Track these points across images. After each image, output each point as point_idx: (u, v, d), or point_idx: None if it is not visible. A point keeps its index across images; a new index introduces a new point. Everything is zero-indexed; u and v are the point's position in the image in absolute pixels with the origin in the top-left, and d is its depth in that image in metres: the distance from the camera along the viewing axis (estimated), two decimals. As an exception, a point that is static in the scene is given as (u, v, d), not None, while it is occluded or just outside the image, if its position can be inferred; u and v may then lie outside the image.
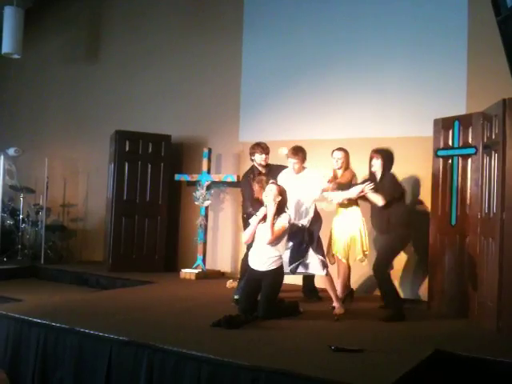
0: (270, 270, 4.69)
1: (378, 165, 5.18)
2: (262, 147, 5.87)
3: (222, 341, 3.93)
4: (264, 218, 4.75)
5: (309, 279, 5.75)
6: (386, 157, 5.18)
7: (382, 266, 5.03)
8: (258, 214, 4.82)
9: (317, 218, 5.28)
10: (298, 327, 4.49)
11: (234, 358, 3.44)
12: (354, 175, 5.54)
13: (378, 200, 5.04)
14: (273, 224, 4.64)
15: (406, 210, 5.22)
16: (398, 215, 5.06)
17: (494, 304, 4.51)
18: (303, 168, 5.32)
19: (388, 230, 5.10)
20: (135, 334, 3.94)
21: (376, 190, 5.05)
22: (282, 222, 4.71)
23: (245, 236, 4.94)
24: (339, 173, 5.56)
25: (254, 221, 4.81)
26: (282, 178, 5.33)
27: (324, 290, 5.37)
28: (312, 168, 5.42)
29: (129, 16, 8.85)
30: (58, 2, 9.58)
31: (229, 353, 3.56)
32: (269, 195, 4.73)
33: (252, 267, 4.80)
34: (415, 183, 6.19)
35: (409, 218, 5.21)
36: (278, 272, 4.76)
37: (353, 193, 5.13)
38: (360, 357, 3.61)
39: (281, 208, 4.75)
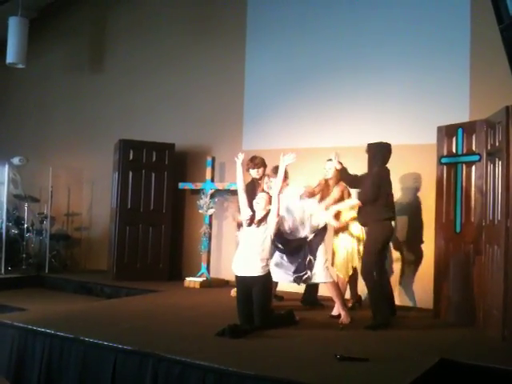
0: (260, 276, 4.63)
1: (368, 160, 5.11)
2: (253, 162, 5.91)
3: (227, 350, 3.92)
4: (251, 223, 4.74)
5: (312, 288, 5.74)
6: (374, 150, 5.05)
7: (368, 267, 4.91)
8: (243, 217, 4.81)
9: (322, 230, 5.23)
10: (302, 336, 4.47)
11: (239, 367, 3.43)
12: (343, 190, 5.49)
13: (354, 203, 5.13)
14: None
15: (384, 205, 4.96)
16: (376, 210, 4.94)
17: (499, 312, 4.49)
18: (287, 186, 5.28)
19: (366, 222, 5.09)
20: (140, 343, 3.93)
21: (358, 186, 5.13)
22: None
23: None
24: (330, 184, 5.57)
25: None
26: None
27: (327, 299, 5.36)
28: (292, 186, 5.40)
29: (132, 26, 8.90)
30: (62, 12, 9.65)
31: (233, 362, 3.55)
32: (260, 202, 4.75)
33: (240, 275, 4.72)
34: (419, 191, 6.19)
35: (387, 213, 4.98)
36: (268, 278, 4.73)
37: (327, 217, 5.10)
38: (365, 366, 3.60)
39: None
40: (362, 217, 5.11)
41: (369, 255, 4.95)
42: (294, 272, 5.14)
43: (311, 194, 5.41)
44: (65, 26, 9.61)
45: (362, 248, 5.45)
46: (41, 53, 9.59)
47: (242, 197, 4.89)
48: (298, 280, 5.16)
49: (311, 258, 5.09)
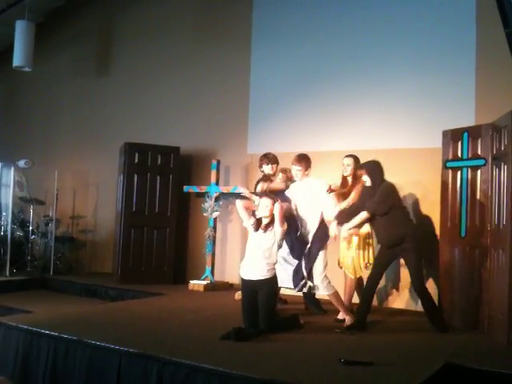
0: (266, 279, 4.63)
1: (368, 179, 5.03)
2: (268, 158, 5.99)
3: (232, 353, 3.92)
4: (257, 227, 4.73)
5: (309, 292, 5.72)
6: (371, 169, 5.01)
7: (420, 283, 4.96)
8: (247, 224, 4.81)
9: (323, 235, 5.18)
10: (307, 340, 4.47)
11: (244, 371, 3.43)
12: (362, 185, 5.35)
13: (363, 216, 4.97)
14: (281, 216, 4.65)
15: (403, 218, 4.98)
16: (395, 225, 4.89)
17: (504, 316, 4.48)
18: (306, 176, 5.31)
19: (388, 241, 4.95)
20: (144, 346, 3.94)
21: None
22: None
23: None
24: (349, 180, 5.56)
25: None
26: (291, 191, 5.39)
27: (329, 303, 5.35)
28: (316, 178, 5.40)
29: (139, 30, 8.94)
30: (68, 17, 9.70)
31: (239, 365, 3.55)
32: (265, 211, 4.70)
33: (246, 278, 4.73)
34: (424, 195, 6.18)
35: (408, 224, 5.01)
36: (273, 281, 4.73)
37: (332, 230, 5.11)
38: (370, 370, 3.59)
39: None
40: (381, 235, 5.05)
41: (418, 272, 4.95)
42: (294, 278, 5.13)
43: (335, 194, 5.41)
44: (72, 30, 9.67)
45: (370, 252, 5.46)
46: (48, 57, 9.65)
47: (243, 213, 4.81)
48: (299, 288, 5.14)
49: (311, 266, 5.08)
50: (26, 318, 5.20)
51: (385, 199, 4.88)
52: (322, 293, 5.19)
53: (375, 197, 4.91)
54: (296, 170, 5.26)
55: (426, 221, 6.08)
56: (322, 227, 5.18)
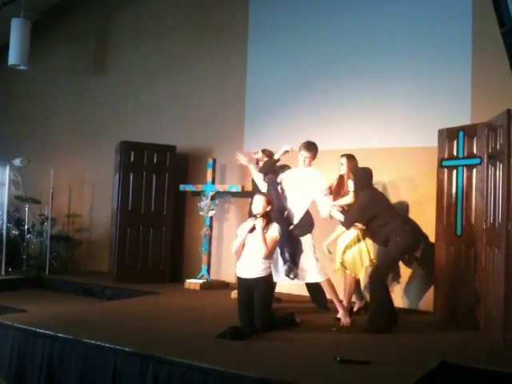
0: (261, 278, 4.64)
1: (351, 184, 5.21)
2: (265, 154, 6.08)
3: (228, 352, 3.92)
4: (252, 229, 4.73)
5: (313, 288, 5.72)
6: (359, 174, 5.16)
7: (378, 276, 4.91)
8: (245, 224, 4.80)
9: (307, 223, 5.22)
10: (303, 339, 4.47)
11: (241, 370, 3.43)
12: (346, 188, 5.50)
13: (348, 200, 5.26)
14: (264, 238, 4.62)
15: (393, 224, 4.94)
16: (383, 229, 4.95)
17: (500, 315, 4.49)
18: (311, 165, 5.36)
19: (381, 242, 5.07)
20: (140, 345, 3.93)
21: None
22: (273, 233, 4.68)
23: (234, 246, 4.85)
24: (345, 179, 5.56)
25: (242, 231, 4.75)
26: (287, 174, 5.43)
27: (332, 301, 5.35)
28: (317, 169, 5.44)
29: (136, 29, 8.91)
30: (65, 15, 9.66)
31: (235, 364, 3.55)
32: (258, 207, 4.72)
33: (242, 277, 4.72)
34: (420, 193, 6.19)
35: (398, 228, 4.94)
36: (269, 279, 4.74)
37: (324, 211, 5.19)
38: (366, 368, 3.60)
39: (270, 217, 4.75)
40: (373, 237, 5.18)
41: (384, 263, 5.02)
42: (284, 266, 5.11)
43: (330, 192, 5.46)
44: (68, 29, 9.63)
45: (369, 249, 5.47)
46: (44, 55, 9.61)
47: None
48: (286, 272, 5.08)
49: (294, 251, 5.10)
50: (21, 317, 5.18)
51: (359, 211, 5.03)
52: (315, 279, 5.19)
53: (352, 209, 5.11)
54: (304, 157, 5.32)
55: (422, 220, 6.09)
56: (307, 216, 5.23)
